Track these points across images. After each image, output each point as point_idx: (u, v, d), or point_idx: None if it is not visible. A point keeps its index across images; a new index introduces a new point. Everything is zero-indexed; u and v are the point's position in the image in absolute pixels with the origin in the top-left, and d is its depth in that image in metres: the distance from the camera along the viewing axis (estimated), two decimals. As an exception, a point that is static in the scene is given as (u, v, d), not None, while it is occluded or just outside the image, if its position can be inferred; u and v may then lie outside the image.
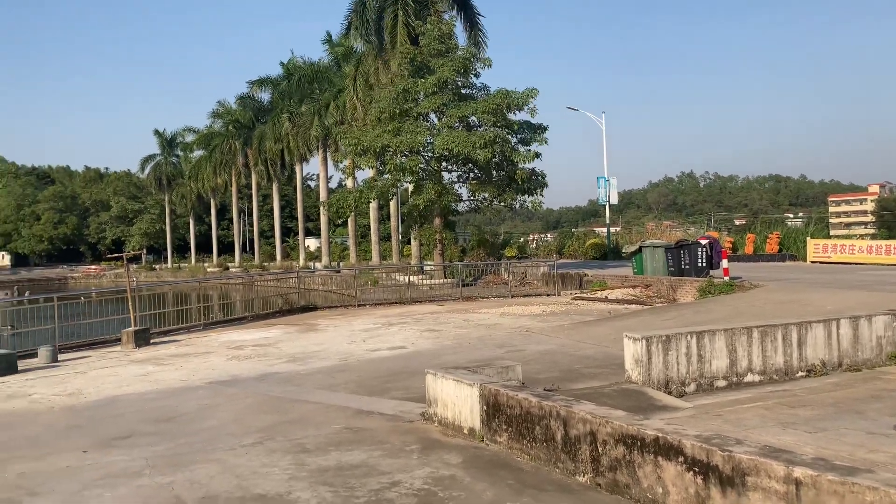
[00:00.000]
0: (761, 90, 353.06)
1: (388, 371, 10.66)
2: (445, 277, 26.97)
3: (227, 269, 69.66)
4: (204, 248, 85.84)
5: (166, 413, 8.51)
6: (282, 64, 60.17)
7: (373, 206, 38.32)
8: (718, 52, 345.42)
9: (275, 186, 65.53)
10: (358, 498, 5.23)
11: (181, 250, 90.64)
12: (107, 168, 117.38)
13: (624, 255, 24.47)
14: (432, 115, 28.69)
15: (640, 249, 22.24)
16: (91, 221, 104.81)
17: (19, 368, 12.16)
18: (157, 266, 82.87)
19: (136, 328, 14.66)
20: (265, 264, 66.69)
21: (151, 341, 14.92)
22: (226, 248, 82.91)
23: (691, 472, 4.54)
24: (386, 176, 27.99)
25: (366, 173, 35.80)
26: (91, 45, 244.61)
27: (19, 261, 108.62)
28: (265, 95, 63.82)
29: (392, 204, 39.79)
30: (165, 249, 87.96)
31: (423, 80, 26.81)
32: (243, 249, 78.85)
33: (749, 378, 8.81)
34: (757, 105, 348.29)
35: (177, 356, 13.20)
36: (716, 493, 4.38)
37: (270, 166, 62.41)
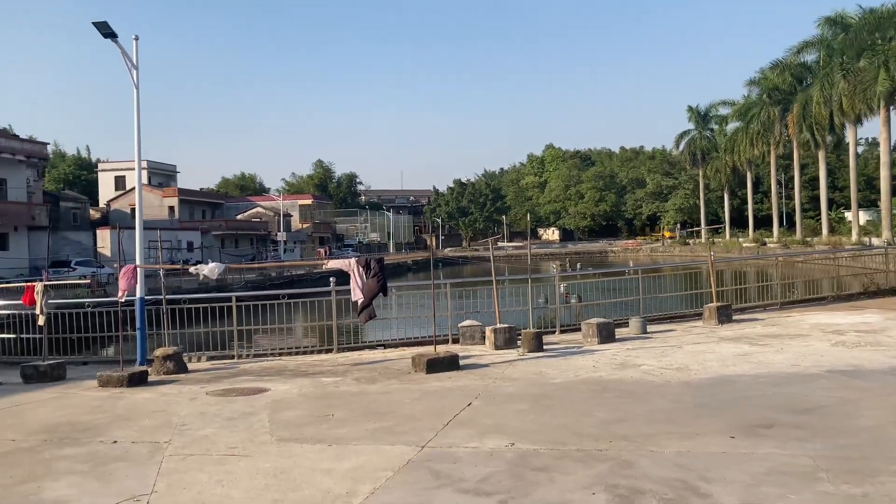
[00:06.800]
0: None
1: None
2: None
3: (764, 244, 66.36)
4: (737, 222, 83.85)
5: (797, 402, 7.65)
6: (828, 19, 53.88)
7: (962, 169, 31.53)
8: None
9: (820, 154, 59.75)
10: None
11: (711, 225, 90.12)
12: (641, 147, 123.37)
13: None
14: None
15: None
16: (627, 198, 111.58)
17: (616, 337, 12.80)
18: (689, 241, 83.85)
19: (719, 304, 14.24)
20: (807, 239, 61.54)
21: (733, 318, 14.34)
22: (759, 223, 79.30)
23: None
24: None
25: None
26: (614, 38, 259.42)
27: (565, 235, 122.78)
28: (808, 57, 58.67)
29: None
30: (698, 224, 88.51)
31: None
32: (779, 223, 74.32)
33: None
34: None
35: (767, 336, 12.31)
36: None
37: (816, 132, 56.90)
